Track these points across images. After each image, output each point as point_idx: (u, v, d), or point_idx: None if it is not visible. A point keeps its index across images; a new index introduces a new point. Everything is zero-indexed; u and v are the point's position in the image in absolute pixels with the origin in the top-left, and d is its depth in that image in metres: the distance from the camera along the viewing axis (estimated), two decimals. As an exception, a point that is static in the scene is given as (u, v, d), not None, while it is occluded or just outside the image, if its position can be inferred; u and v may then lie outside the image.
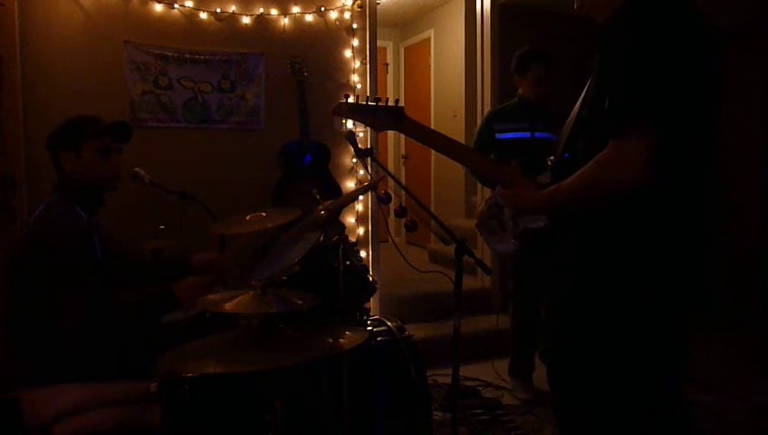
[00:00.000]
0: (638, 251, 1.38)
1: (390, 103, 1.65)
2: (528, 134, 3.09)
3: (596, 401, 1.49)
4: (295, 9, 3.69)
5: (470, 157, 1.72)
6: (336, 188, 3.61)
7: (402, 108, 1.65)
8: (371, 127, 1.71)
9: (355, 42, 3.85)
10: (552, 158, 1.87)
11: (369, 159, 2.16)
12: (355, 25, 3.84)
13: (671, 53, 1.31)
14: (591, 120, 1.49)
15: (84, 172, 1.95)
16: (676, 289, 1.41)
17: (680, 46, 1.32)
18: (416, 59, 6.58)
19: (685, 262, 1.40)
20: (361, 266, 2.31)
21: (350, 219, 3.91)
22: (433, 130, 1.69)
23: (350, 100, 1.66)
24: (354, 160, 3.85)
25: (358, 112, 1.65)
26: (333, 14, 3.79)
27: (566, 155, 1.65)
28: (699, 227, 1.43)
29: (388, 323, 2.34)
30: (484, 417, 2.85)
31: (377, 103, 1.63)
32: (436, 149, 1.69)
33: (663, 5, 1.35)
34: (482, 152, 3.24)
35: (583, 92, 1.66)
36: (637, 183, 1.28)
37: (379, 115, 1.64)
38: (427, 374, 2.27)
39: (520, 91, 3.21)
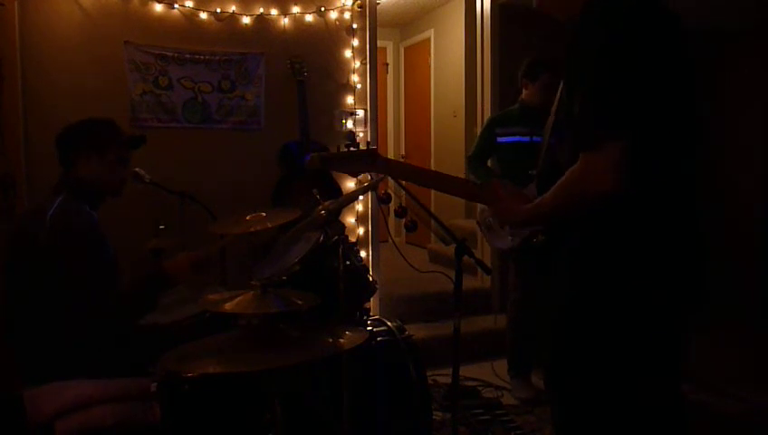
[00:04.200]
0: (629, 255, 1.38)
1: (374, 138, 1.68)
2: (527, 138, 3.14)
3: (594, 401, 1.48)
4: (295, 9, 3.69)
5: (449, 183, 1.73)
6: (336, 188, 3.61)
7: (375, 149, 1.69)
8: (347, 173, 1.75)
9: (355, 42, 3.85)
10: (533, 172, 1.89)
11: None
12: (355, 25, 3.84)
13: (639, 58, 1.30)
14: (566, 125, 1.49)
15: (101, 176, 1.97)
16: (671, 290, 1.41)
17: (648, 50, 1.31)
18: (416, 59, 6.58)
19: (677, 263, 1.40)
20: (361, 266, 2.32)
21: (350, 219, 3.91)
22: (408, 164, 1.73)
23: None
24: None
25: (330, 161, 1.68)
26: (333, 14, 3.79)
27: (548, 164, 1.67)
28: (690, 227, 1.43)
29: (388, 323, 2.34)
30: (484, 417, 2.85)
31: (348, 149, 1.66)
32: (414, 182, 1.73)
33: (630, 8, 1.34)
34: (478, 159, 3.32)
35: (558, 95, 1.67)
36: (608, 193, 1.30)
37: (353, 160, 1.66)
38: (427, 374, 2.27)
39: (523, 95, 3.24)
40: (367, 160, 1.65)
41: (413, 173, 1.72)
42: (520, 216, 1.55)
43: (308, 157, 3.50)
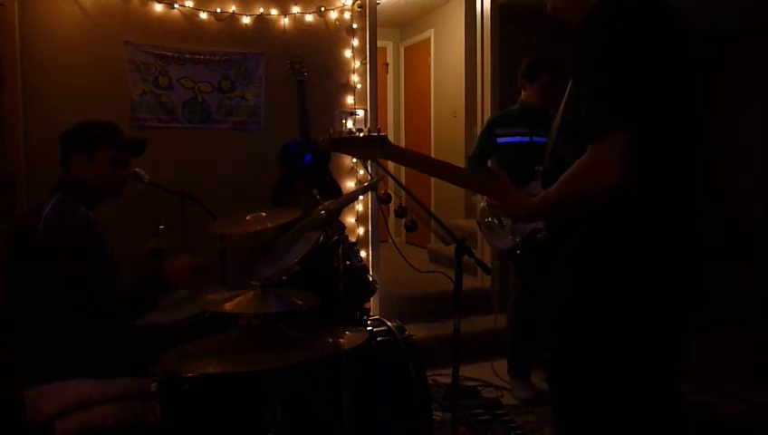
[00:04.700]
0: (629, 254, 1.38)
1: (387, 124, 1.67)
2: (527, 138, 3.14)
3: (595, 401, 1.48)
4: (295, 9, 3.69)
5: (457, 174, 1.72)
6: (336, 188, 3.61)
7: (385, 136, 1.68)
8: (356, 157, 1.73)
9: (355, 42, 3.85)
10: (539, 168, 1.88)
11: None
12: (355, 25, 3.84)
13: (642, 55, 1.32)
14: (572, 126, 1.50)
15: (92, 177, 1.96)
16: (671, 290, 1.41)
17: (651, 48, 1.33)
18: (416, 59, 6.58)
19: (678, 263, 1.40)
20: (361, 266, 2.32)
21: (350, 219, 3.91)
22: (417, 153, 1.72)
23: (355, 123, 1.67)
24: (354, 160, 3.85)
25: (341, 144, 1.67)
26: (333, 14, 3.79)
27: (554, 161, 1.66)
28: (690, 225, 1.43)
29: (388, 323, 2.34)
30: (484, 417, 2.85)
31: (359, 134, 1.65)
32: (422, 171, 1.71)
33: (634, 7, 1.36)
34: (478, 159, 3.31)
35: (565, 96, 1.67)
36: (612, 187, 1.30)
37: (363, 145, 1.65)
38: (427, 374, 2.27)
39: (522, 96, 3.24)
40: (377, 146, 1.65)
41: (421, 163, 1.70)
42: (526, 208, 1.55)
43: (309, 157, 3.52)
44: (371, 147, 1.65)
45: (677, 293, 1.42)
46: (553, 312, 1.56)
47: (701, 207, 1.45)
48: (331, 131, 1.66)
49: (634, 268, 1.38)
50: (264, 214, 1.95)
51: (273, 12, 3.64)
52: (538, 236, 1.77)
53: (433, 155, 6.18)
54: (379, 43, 4.51)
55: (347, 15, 3.83)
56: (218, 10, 3.52)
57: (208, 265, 1.95)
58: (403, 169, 6.66)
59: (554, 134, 1.75)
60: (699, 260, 1.44)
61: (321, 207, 1.88)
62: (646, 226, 1.38)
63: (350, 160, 3.87)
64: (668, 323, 1.44)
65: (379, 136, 1.66)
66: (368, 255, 3.90)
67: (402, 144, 6.85)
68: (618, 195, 1.31)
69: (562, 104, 1.72)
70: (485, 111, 4.24)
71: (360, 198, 3.83)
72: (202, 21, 3.50)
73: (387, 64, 6.81)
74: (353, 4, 3.81)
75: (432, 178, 6.13)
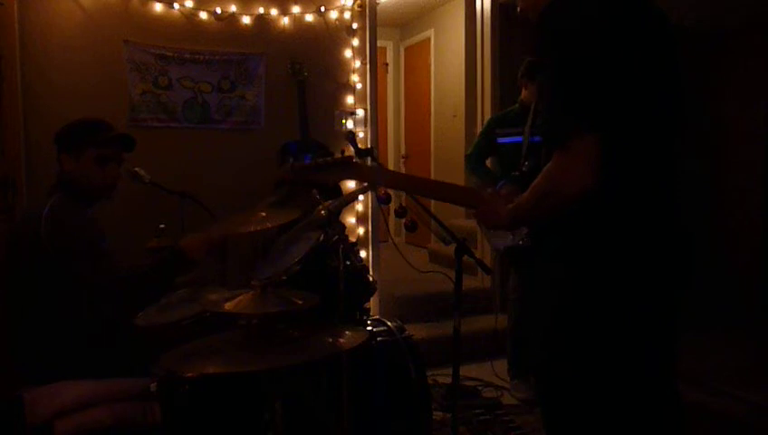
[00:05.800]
0: (606, 256, 1.35)
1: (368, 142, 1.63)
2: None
3: (586, 409, 1.45)
4: (295, 9, 3.69)
5: (433, 188, 1.67)
6: (336, 188, 3.61)
7: (350, 157, 1.63)
8: (324, 183, 1.67)
9: (355, 42, 3.85)
10: (516, 173, 1.86)
11: (369, 158, 2.16)
12: (355, 25, 3.85)
13: (595, 53, 1.26)
14: (541, 129, 1.47)
15: (80, 176, 1.96)
16: (653, 289, 1.37)
17: (607, 45, 1.28)
18: (416, 59, 6.58)
19: (658, 261, 1.37)
20: (361, 266, 2.32)
21: (350, 219, 3.91)
22: (389, 170, 1.68)
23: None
24: (355, 160, 3.85)
25: (303, 173, 1.60)
26: (333, 14, 3.79)
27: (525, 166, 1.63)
28: (670, 223, 1.40)
29: (388, 324, 2.34)
30: (485, 417, 2.85)
31: (324, 159, 1.59)
32: (395, 188, 1.67)
33: (585, 3, 1.30)
34: (477, 159, 3.29)
35: (534, 101, 1.65)
36: (582, 192, 1.27)
37: (327, 169, 1.58)
38: (427, 374, 2.27)
39: (522, 96, 3.23)
40: (343, 168, 1.59)
41: (393, 179, 1.66)
42: (503, 219, 1.50)
43: (308, 157, 3.51)
44: (337, 170, 1.58)
45: (661, 293, 1.39)
46: (539, 316, 1.53)
47: (682, 204, 1.42)
48: (291, 161, 1.61)
49: (612, 272, 1.35)
50: (263, 214, 1.95)
51: (273, 12, 3.64)
52: (521, 242, 1.73)
53: (433, 155, 6.19)
54: (379, 43, 4.51)
55: (347, 15, 3.83)
56: (218, 10, 3.52)
57: (223, 241, 1.97)
58: (403, 169, 6.66)
59: (527, 140, 1.73)
60: (683, 257, 1.41)
61: (321, 207, 1.88)
62: (622, 228, 1.35)
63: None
64: (654, 324, 1.40)
65: (341, 158, 1.61)
66: (368, 255, 3.90)
67: (402, 144, 6.86)
68: (590, 198, 1.27)
69: (531, 110, 1.69)
70: (485, 111, 4.24)
71: (360, 197, 3.83)
72: (202, 21, 3.50)
73: (387, 64, 6.81)
74: (353, 4, 3.81)
75: (432, 179, 6.13)
